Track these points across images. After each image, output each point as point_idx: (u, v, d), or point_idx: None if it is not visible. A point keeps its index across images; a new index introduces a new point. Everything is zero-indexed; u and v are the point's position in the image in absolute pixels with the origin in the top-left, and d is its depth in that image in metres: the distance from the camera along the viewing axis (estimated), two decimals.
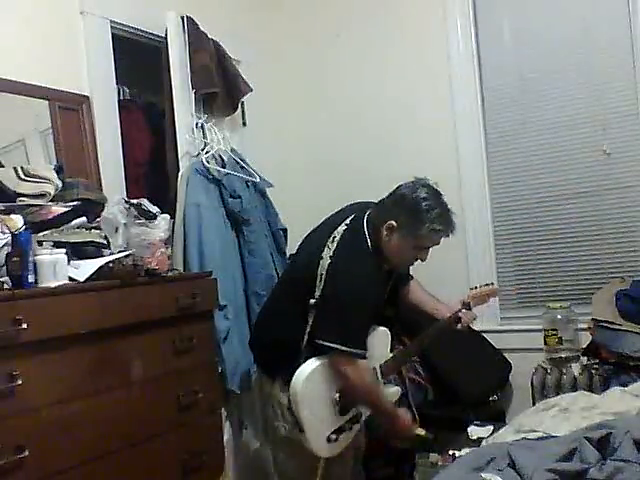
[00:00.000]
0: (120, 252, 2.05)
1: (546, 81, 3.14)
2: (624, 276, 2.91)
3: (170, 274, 2.18)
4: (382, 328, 2.38)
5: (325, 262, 2.14)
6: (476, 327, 3.16)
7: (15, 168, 2.06)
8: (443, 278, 2.93)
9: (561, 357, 2.95)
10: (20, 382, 1.60)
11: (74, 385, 1.77)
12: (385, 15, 3.40)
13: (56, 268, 1.76)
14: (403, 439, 2.40)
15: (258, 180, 2.92)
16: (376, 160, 3.39)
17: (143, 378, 1.99)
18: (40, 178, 2.07)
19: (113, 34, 2.62)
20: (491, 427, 2.45)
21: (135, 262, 2.00)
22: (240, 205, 2.73)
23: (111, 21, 2.61)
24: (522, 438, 1.84)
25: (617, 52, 3.00)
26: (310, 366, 2.14)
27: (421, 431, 2.35)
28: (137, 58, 2.88)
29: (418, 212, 2.16)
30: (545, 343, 2.98)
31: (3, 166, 2.11)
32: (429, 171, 3.23)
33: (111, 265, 1.93)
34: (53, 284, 1.75)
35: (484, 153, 3.25)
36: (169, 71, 2.73)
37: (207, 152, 2.74)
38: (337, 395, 2.20)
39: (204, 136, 2.80)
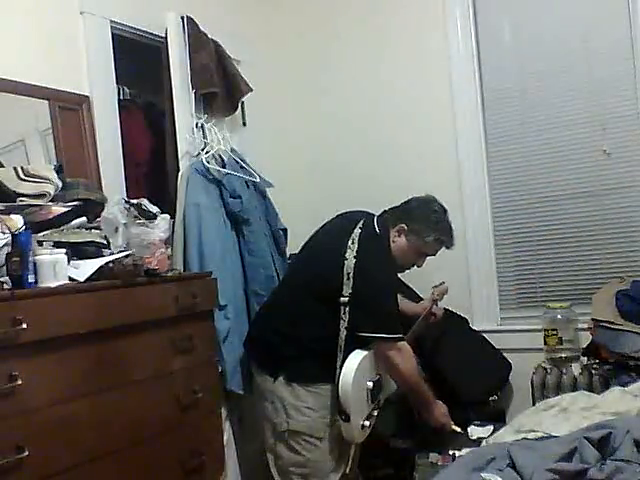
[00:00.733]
0: (120, 252, 2.05)
1: (546, 81, 3.14)
2: (624, 276, 2.91)
3: (170, 274, 2.18)
4: None
5: (350, 262, 2.31)
6: (476, 327, 3.18)
7: (15, 168, 2.06)
8: (443, 278, 2.94)
9: (561, 357, 2.95)
10: (20, 382, 1.60)
11: (74, 385, 1.77)
12: (385, 15, 3.40)
13: (56, 268, 1.76)
14: (436, 428, 2.50)
15: (258, 180, 2.92)
16: (376, 160, 3.39)
17: (143, 378, 1.98)
18: (40, 178, 2.07)
19: (113, 34, 2.62)
20: (491, 427, 2.46)
21: (135, 262, 1.99)
22: (240, 205, 2.73)
23: (111, 21, 2.61)
24: (522, 438, 1.84)
25: (617, 52, 3.00)
26: (356, 359, 2.31)
27: (456, 428, 2.48)
28: (137, 58, 2.88)
29: (429, 221, 2.45)
30: (545, 343, 2.98)
31: (3, 166, 2.11)
32: (429, 171, 3.28)
33: (111, 265, 1.93)
34: (53, 284, 1.74)
35: (484, 153, 3.25)
36: (169, 71, 2.73)
37: (207, 152, 2.73)
38: (371, 384, 2.37)
39: (204, 136, 2.80)
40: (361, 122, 3.45)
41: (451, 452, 2.30)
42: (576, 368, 2.90)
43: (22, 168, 2.06)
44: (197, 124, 2.78)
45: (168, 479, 2.05)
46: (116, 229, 2.18)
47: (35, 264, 1.73)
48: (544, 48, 3.14)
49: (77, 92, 2.46)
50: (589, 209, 3.07)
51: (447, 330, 2.97)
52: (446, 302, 2.95)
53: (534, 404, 2.53)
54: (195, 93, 2.78)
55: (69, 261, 1.84)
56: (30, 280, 1.71)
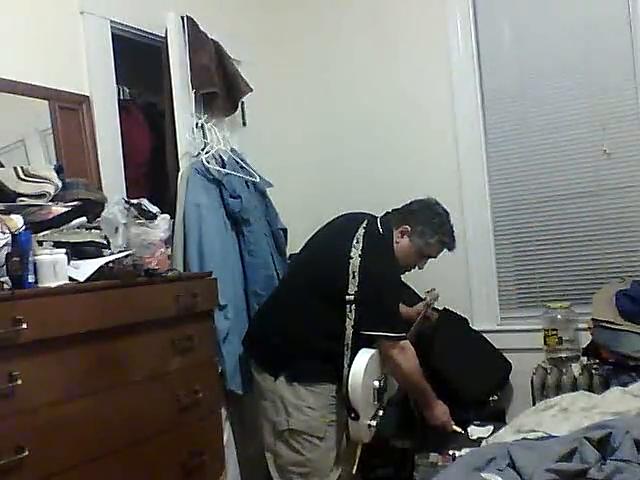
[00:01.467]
0: (120, 252, 2.04)
1: (546, 81, 3.14)
2: (624, 276, 2.91)
3: (170, 274, 2.18)
4: None
5: (356, 261, 2.33)
6: (476, 327, 3.18)
7: (15, 168, 2.05)
8: (443, 278, 2.94)
9: (561, 357, 2.95)
10: (20, 382, 1.59)
11: (74, 385, 1.77)
12: (385, 15, 3.40)
13: (56, 268, 1.76)
14: (437, 427, 2.51)
15: (258, 180, 2.92)
16: (376, 160, 3.39)
17: (143, 378, 1.98)
18: (40, 178, 2.07)
19: (113, 34, 2.62)
20: (491, 427, 2.46)
21: (135, 262, 1.99)
22: (240, 205, 2.73)
23: (111, 21, 2.60)
24: (522, 438, 1.84)
25: (617, 52, 3.00)
26: (365, 357, 2.34)
27: (457, 428, 2.50)
28: (137, 58, 2.88)
29: (432, 224, 2.50)
30: (545, 343, 2.98)
31: (3, 166, 2.11)
32: (429, 171, 3.28)
33: (111, 265, 1.93)
34: (53, 284, 1.74)
35: (484, 153, 3.25)
36: (169, 71, 2.73)
37: (207, 152, 2.74)
38: (377, 383, 2.39)
39: (204, 136, 2.80)
40: (361, 122, 3.45)
41: (451, 452, 2.30)
42: (576, 368, 2.90)
43: (22, 168, 2.06)
44: (197, 124, 2.78)
45: (168, 479, 2.05)
46: (116, 229, 2.18)
47: (35, 264, 1.73)
48: (544, 48, 3.14)
49: (77, 92, 2.46)
50: (589, 209, 3.07)
51: (447, 330, 2.97)
52: (446, 302, 2.95)
53: (534, 404, 2.53)
54: (195, 93, 2.78)
55: (69, 261, 1.84)
56: (30, 280, 1.70)
